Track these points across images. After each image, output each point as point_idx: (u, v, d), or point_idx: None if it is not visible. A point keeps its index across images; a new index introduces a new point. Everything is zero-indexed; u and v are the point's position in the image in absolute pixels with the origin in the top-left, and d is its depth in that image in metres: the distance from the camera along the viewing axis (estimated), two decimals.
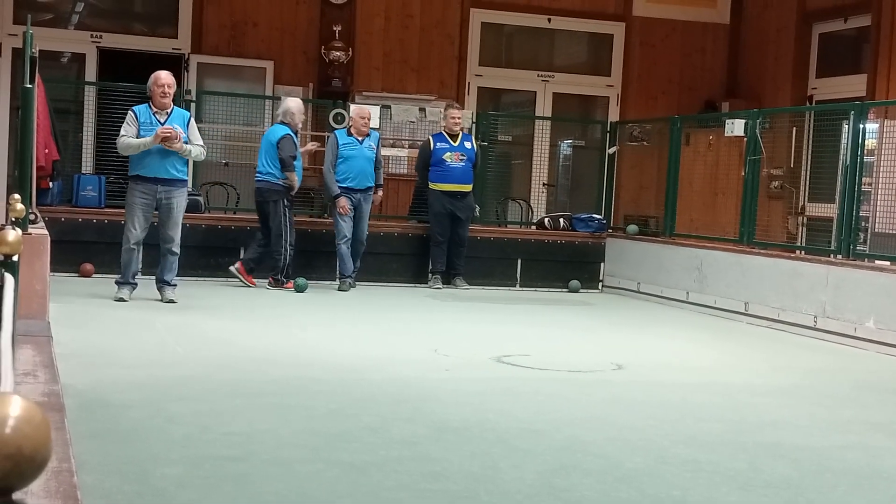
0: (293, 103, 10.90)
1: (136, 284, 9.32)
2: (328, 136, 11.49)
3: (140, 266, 9.54)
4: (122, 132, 9.14)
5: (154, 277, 9.40)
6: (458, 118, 11.65)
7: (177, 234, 9.22)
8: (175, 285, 9.34)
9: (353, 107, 11.46)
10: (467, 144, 11.66)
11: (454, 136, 11.60)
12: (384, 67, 13.33)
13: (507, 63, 14.24)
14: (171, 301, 9.19)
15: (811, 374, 7.58)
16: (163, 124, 9.05)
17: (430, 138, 11.74)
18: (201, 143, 9.37)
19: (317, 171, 12.58)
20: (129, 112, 9.24)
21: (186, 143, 9.13)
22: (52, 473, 2.61)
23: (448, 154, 11.53)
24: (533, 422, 5.36)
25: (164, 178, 9.09)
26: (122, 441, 4.56)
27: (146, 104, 9.23)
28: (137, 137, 9.04)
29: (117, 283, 9.32)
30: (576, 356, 7.75)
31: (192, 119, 9.42)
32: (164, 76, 9.19)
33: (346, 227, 10.91)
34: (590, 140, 14.30)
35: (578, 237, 12.59)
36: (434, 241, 11.71)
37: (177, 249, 9.24)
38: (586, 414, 5.69)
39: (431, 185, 11.53)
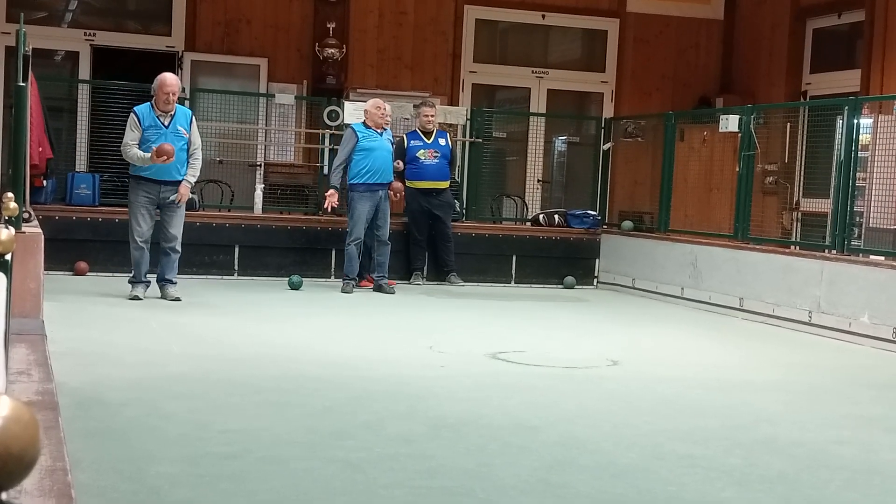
0: (368, 102, 10.90)
1: (149, 282, 9.29)
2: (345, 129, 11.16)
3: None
4: (127, 138, 9.07)
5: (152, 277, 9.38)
6: (431, 115, 11.57)
7: (179, 233, 9.23)
8: (176, 283, 9.32)
9: (370, 101, 10.99)
10: (441, 141, 11.60)
11: (428, 134, 11.55)
12: (378, 64, 13.32)
13: (501, 60, 14.23)
14: (177, 299, 9.15)
15: (806, 370, 7.59)
16: (167, 127, 9.02)
17: (404, 136, 11.62)
18: (199, 143, 9.35)
19: (311, 168, 12.59)
20: (132, 114, 9.14)
21: (186, 149, 9.09)
22: (46, 472, 2.61)
23: (422, 151, 11.45)
24: (528, 418, 5.37)
25: (168, 179, 9.09)
26: (117, 439, 4.55)
27: (149, 104, 9.14)
28: (140, 141, 8.98)
29: (130, 281, 9.30)
30: (571, 352, 7.76)
31: (194, 117, 9.36)
32: (171, 81, 9.08)
33: (360, 228, 10.64)
34: (584, 136, 14.30)
35: (573, 233, 12.60)
36: (413, 239, 11.68)
37: (179, 248, 9.25)
38: (581, 410, 5.69)
39: (407, 184, 11.44)
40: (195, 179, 9.41)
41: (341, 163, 10.68)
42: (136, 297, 9.15)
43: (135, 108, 9.22)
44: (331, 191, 10.63)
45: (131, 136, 9.04)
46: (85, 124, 12.11)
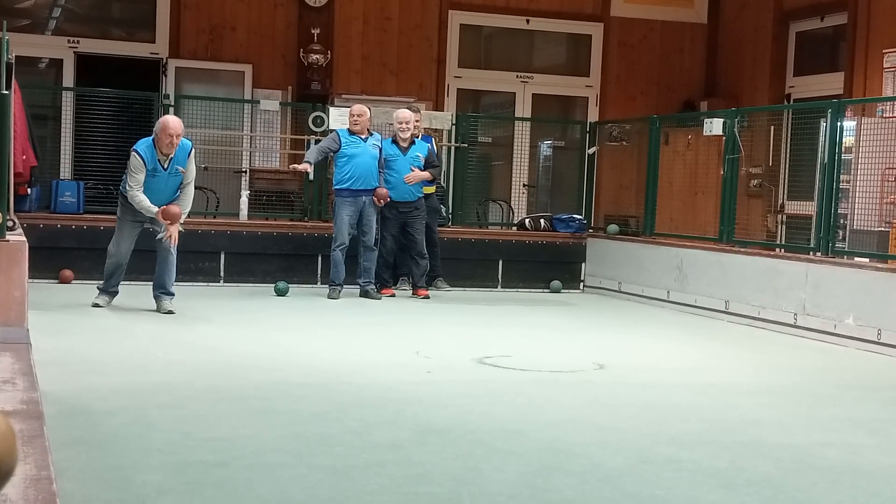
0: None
1: (116, 293, 9.24)
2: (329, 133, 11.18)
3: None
4: (132, 182, 8.79)
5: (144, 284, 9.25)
6: (417, 121, 11.57)
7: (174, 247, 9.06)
8: (174, 295, 9.11)
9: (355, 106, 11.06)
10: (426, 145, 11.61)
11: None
12: (363, 70, 13.32)
13: (486, 65, 14.26)
14: (170, 312, 8.94)
15: (792, 372, 7.61)
16: (166, 169, 8.84)
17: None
18: (193, 177, 9.10)
19: (297, 174, 12.56)
20: (134, 156, 8.81)
21: (180, 183, 8.99)
22: (31, 481, 2.60)
23: None
24: (515, 423, 5.37)
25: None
26: (102, 448, 4.54)
27: (150, 142, 8.87)
28: (143, 184, 8.80)
29: (99, 288, 9.25)
30: (557, 357, 7.76)
31: (193, 150, 9.11)
32: (174, 125, 8.84)
33: (344, 234, 10.61)
34: (569, 141, 14.32)
35: (559, 238, 12.61)
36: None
37: (174, 251, 9.00)
38: (568, 415, 5.70)
39: None
40: (185, 213, 9.15)
41: (317, 151, 10.75)
42: (97, 305, 9.06)
43: (136, 149, 8.87)
44: (304, 164, 10.74)
45: (136, 180, 8.78)
46: (69, 132, 12.07)
